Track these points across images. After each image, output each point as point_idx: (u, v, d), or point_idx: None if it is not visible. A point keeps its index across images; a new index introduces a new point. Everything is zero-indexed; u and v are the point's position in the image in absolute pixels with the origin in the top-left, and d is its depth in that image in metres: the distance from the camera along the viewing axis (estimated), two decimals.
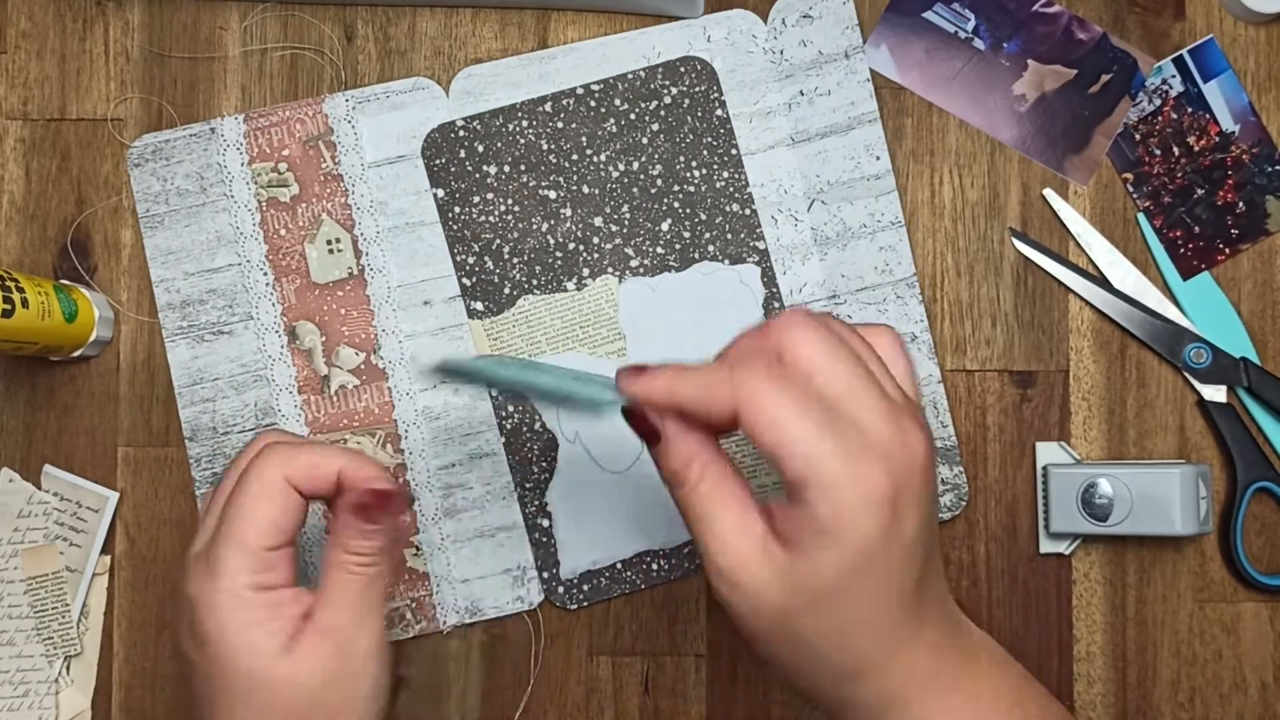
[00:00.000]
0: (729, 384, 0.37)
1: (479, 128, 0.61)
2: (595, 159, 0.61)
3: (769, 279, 0.60)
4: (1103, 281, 0.60)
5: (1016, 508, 0.60)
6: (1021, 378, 0.60)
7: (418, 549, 0.60)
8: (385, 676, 0.46)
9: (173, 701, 0.60)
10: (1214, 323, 0.60)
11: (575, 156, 0.61)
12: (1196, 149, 0.61)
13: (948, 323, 0.61)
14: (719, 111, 0.61)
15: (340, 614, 0.44)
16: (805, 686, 0.39)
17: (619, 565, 0.60)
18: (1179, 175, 0.61)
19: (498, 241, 0.61)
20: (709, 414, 0.38)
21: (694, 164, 0.61)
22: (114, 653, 0.60)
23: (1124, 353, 0.60)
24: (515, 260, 0.61)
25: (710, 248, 0.60)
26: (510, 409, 0.60)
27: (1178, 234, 0.60)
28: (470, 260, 0.61)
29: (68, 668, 0.60)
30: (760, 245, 0.60)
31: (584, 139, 0.61)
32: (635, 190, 0.61)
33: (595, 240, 0.61)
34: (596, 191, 0.61)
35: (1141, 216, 0.61)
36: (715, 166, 0.61)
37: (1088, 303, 0.60)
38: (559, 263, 0.61)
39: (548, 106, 0.61)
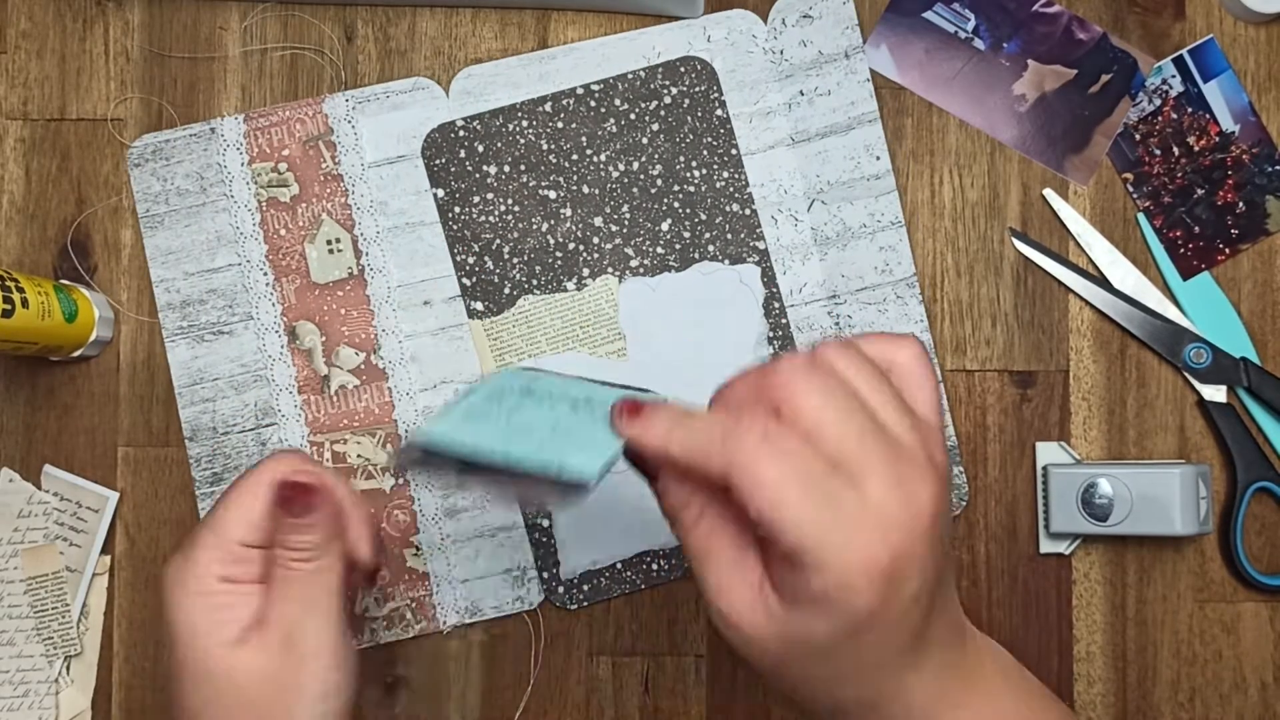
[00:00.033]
0: (720, 445, 0.35)
1: (479, 128, 0.61)
2: (595, 159, 0.61)
3: (769, 279, 0.60)
4: (1103, 281, 0.60)
5: (1016, 508, 0.60)
6: (1021, 378, 0.60)
7: (418, 549, 0.60)
8: (339, 676, 0.45)
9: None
10: (1214, 323, 0.60)
11: (575, 156, 0.61)
12: (1196, 149, 0.61)
13: (948, 323, 0.61)
14: (719, 111, 0.61)
15: (284, 609, 0.44)
16: (804, 710, 0.39)
17: (619, 565, 0.60)
18: (1179, 175, 0.61)
19: (498, 241, 0.61)
20: (702, 471, 0.36)
21: (694, 164, 0.61)
22: (114, 653, 0.60)
23: (1124, 353, 0.60)
24: (515, 260, 0.61)
25: (710, 248, 0.60)
26: None
27: (1178, 234, 0.60)
28: (470, 260, 0.61)
29: (68, 668, 0.60)
30: (760, 245, 0.60)
31: (584, 139, 0.61)
32: (635, 190, 0.61)
33: (595, 240, 0.61)
34: (596, 191, 0.61)
35: (1141, 216, 0.61)
36: (715, 166, 0.61)
37: (1088, 303, 0.60)
38: (559, 263, 0.61)
39: (548, 106, 0.61)
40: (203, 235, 0.61)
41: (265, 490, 0.45)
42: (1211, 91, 0.61)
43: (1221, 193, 0.60)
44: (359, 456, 0.60)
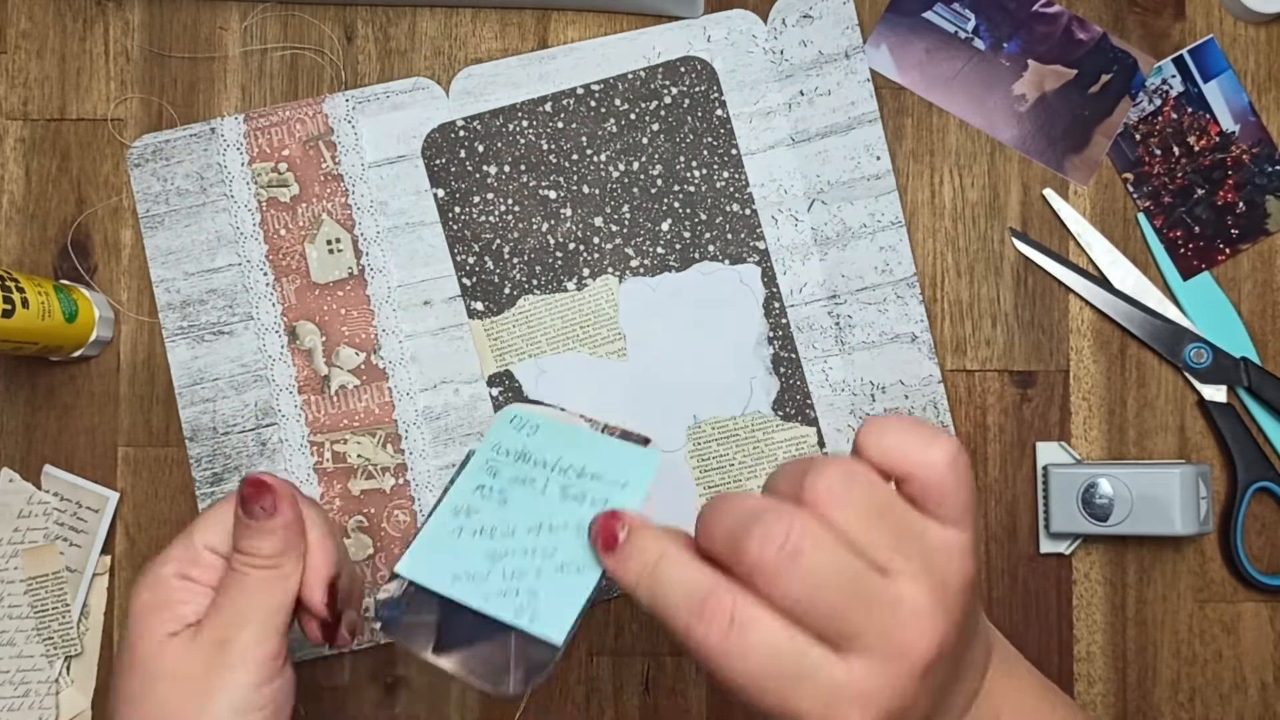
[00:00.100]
0: (685, 621, 0.34)
1: (479, 128, 0.61)
2: (595, 159, 0.61)
3: (769, 279, 0.60)
4: (1103, 281, 0.60)
5: (1016, 508, 0.60)
6: (1021, 378, 0.60)
7: (417, 531, 0.60)
8: (263, 694, 0.43)
9: None
10: (1214, 323, 0.60)
11: (575, 156, 0.61)
12: (1196, 149, 0.61)
13: (948, 323, 0.61)
14: (719, 111, 0.61)
15: (221, 612, 0.44)
16: None
17: None
18: (1179, 175, 0.61)
19: (498, 241, 0.61)
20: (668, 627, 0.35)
21: (694, 164, 0.61)
22: (114, 653, 0.60)
23: (1124, 353, 0.60)
24: (515, 260, 0.61)
25: (710, 248, 0.60)
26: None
27: (1178, 234, 0.60)
28: (470, 260, 0.61)
29: (68, 668, 0.60)
30: (760, 245, 0.60)
31: (584, 139, 0.61)
32: (635, 190, 0.61)
33: (595, 240, 0.61)
34: (597, 191, 0.61)
35: (1141, 216, 0.61)
36: (715, 166, 0.61)
37: (1088, 303, 0.60)
38: (559, 263, 0.61)
39: (548, 106, 0.61)
40: (203, 235, 0.61)
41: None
42: (1211, 91, 0.61)
43: (1221, 193, 0.60)
44: (359, 456, 0.60)
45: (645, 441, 0.42)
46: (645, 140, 0.61)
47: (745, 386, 0.60)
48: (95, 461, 0.61)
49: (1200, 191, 0.60)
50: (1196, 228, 0.60)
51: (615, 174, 0.61)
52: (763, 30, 0.61)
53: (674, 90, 0.61)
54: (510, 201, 0.61)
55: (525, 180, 0.61)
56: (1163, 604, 0.60)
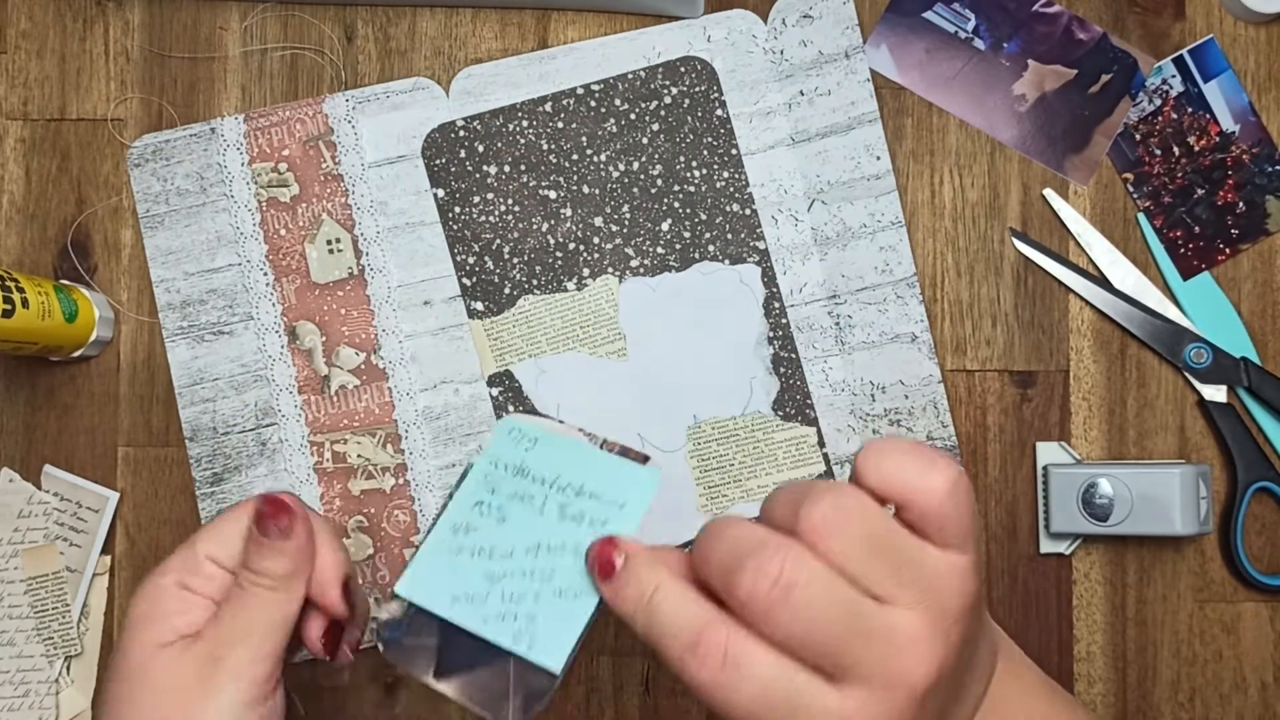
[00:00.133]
0: (680, 655, 0.34)
1: (479, 128, 0.61)
2: (595, 159, 0.61)
3: (769, 279, 0.60)
4: (1103, 281, 0.60)
5: (1016, 508, 0.60)
6: (1021, 378, 0.60)
7: (417, 548, 0.60)
8: (255, 712, 0.43)
9: None
10: (1214, 323, 0.60)
11: (575, 156, 0.61)
12: (1196, 149, 0.61)
13: (948, 323, 0.61)
14: (719, 111, 0.61)
15: (221, 626, 0.44)
16: None
17: None
18: (1179, 175, 0.61)
19: (498, 241, 0.61)
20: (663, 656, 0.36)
21: (694, 164, 0.61)
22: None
23: (1124, 353, 0.60)
24: (515, 260, 0.61)
25: (710, 248, 0.60)
26: (512, 409, 0.60)
27: (1178, 234, 0.61)
28: (470, 260, 0.61)
29: (68, 668, 0.60)
30: (760, 245, 0.60)
31: (584, 139, 0.61)
32: (635, 190, 0.61)
33: (595, 240, 0.61)
34: (597, 191, 0.61)
35: (1141, 216, 0.61)
36: (715, 166, 0.61)
37: (1088, 303, 0.60)
38: (559, 263, 0.61)
39: (548, 106, 0.61)
40: (203, 235, 0.61)
41: (247, 516, 0.45)
42: (1211, 91, 0.61)
43: (1221, 193, 0.60)
44: (359, 456, 0.60)
45: (644, 460, 0.41)
46: (645, 140, 0.61)
47: (745, 386, 0.60)
48: (95, 461, 0.61)
49: (1200, 191, 0.61)
50: (1196, 228, 0.60)
51: (615, 174, 0.61)
52: (763, 30, 0.61)
53: (674, 90, 0.61)
54: (510, 201, 0.61)
55: (525, 180, 0.61)
56: (1163, 604, 0.60)
